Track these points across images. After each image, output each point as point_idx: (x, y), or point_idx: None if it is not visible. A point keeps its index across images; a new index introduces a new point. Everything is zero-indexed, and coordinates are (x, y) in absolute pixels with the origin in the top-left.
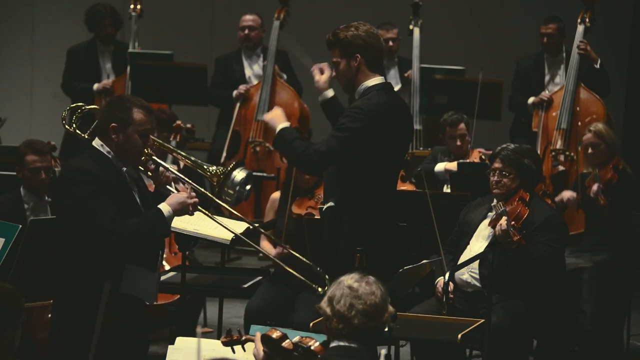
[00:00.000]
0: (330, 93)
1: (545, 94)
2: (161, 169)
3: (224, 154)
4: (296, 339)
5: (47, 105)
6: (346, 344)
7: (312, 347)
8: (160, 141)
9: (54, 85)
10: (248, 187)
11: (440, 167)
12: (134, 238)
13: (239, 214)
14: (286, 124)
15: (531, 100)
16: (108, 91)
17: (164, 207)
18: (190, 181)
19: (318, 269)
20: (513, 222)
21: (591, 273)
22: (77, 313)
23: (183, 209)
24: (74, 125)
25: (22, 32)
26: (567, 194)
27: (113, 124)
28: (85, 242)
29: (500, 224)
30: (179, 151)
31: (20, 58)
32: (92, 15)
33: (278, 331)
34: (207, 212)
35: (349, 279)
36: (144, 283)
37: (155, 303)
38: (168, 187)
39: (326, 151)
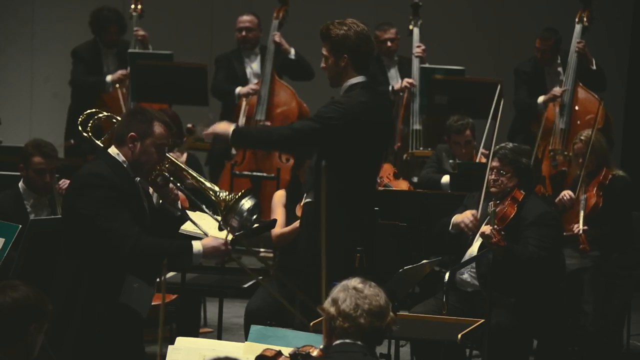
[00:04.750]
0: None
1: (557, 90)
2: (170, 185)
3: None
4: (292, 350)
5: (47, 105)
6: (351, 341)
7: (312, 354)
8: (173, 158)
9: (54, 85)
10: (254, 216)
11: (446, 179)
12: (153, 254)
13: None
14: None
15: (542, 99)
16: (123, 81)
17: (197, 244)
18: (202, 206)
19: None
20: (496, 224)
21: (593, 273)
22: (73, 313)
23: (215, 256)
24: (89, 131)
25: (22, 32)
26: (565, 193)
27: (132, 134)
28: (94, 244)
29: (484, 230)
30: (190, 171)
31: (20, 58)
32: (98, 20)
33: (272, 349)
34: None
35: (354, 282)
36: (141, 296)
37: (153, 303)
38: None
39: (299, 128)
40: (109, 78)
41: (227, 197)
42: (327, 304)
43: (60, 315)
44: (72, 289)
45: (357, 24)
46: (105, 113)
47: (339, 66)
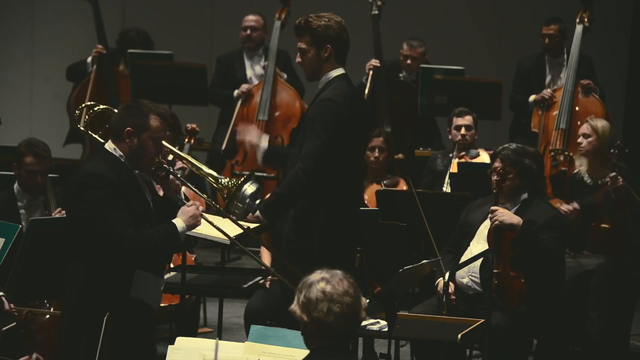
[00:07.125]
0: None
1: (547, 92)
2: (171, 177)
3: (222, 154)
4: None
5: (47, 105)
6: (327, 344)
7: None
8: (172, 148)
9: (54, 85)
10: (257, 201)
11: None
12: (146, 249)
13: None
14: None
15: (532, 98)
16: (98, 59)
17: (178, 222)
18: (203, 195)
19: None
20: None
21: (598, 276)
22: (86, 314)
23: (196, 222)
24: (86, 124)
25: (22, 32)
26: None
27: (128, 128)
28: (96, 245)
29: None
30: (189, 159)
31: (20, 58)
32: (125, 40)
33: None
34: (207, 218)
35: (321, 282)
36: (151, 288)
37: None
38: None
39: (310, 152)
40: (89, 59)
41: (229, 183)
42: (298, 309)
43: (73, 315)
44: (83, 288)
45: (335, 16)
46: (102, 106)
47: (321, 57)
